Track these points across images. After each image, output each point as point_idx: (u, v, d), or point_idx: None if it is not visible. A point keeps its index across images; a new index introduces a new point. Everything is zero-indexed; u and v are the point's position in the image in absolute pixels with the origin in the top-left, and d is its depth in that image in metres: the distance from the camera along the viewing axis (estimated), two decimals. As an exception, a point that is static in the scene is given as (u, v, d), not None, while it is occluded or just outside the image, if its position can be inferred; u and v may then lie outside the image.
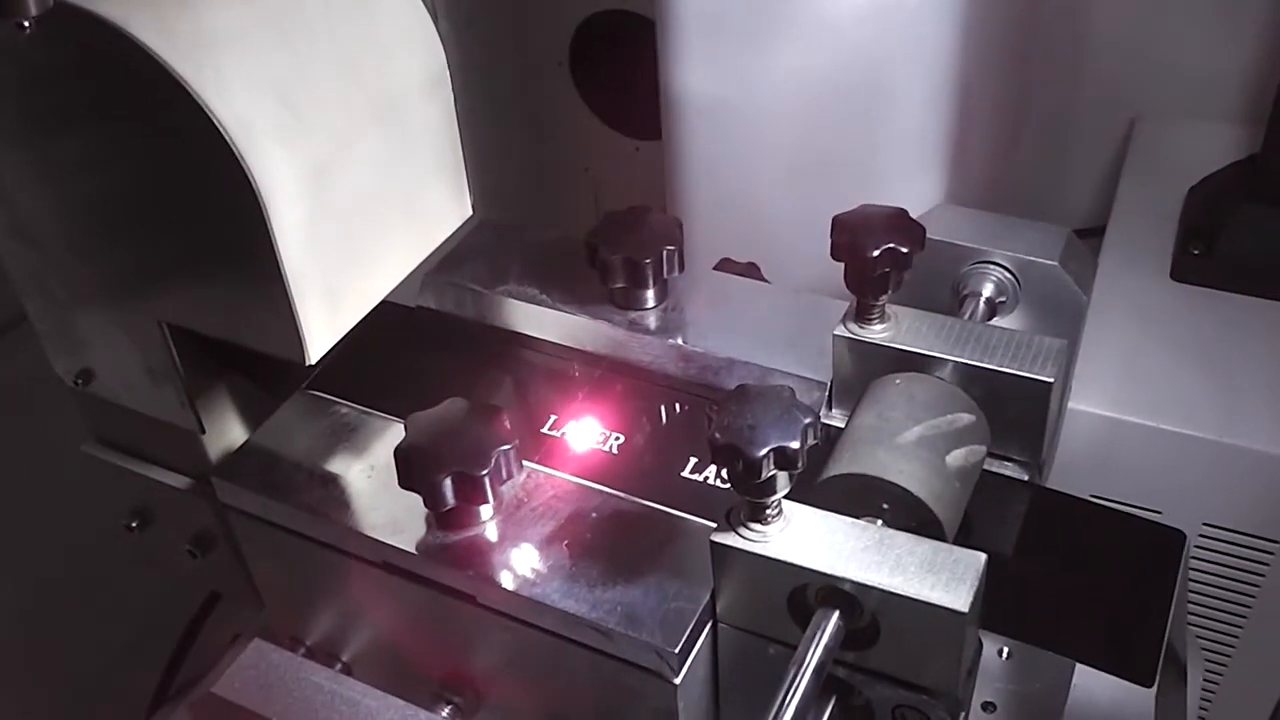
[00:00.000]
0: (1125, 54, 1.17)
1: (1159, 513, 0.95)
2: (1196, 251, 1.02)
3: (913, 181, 0.99)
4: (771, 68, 0.95)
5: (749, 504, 0.52)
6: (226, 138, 0.53)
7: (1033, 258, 0.68)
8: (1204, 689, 0.96)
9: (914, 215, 0.67)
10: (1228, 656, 1.00)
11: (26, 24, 0.48)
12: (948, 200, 1.03)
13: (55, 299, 0.68)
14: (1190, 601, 0.98)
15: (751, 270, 0.87)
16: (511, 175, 1.51)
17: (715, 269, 0.87)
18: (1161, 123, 1.19)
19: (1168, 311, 1.00)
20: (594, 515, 0.61)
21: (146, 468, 0.73)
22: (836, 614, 0.52)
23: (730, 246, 0.94)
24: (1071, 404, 0.90)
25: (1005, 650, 0.70)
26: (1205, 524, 0.94)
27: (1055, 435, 0.75)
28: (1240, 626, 0.98)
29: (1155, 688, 0.56)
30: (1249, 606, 0.96)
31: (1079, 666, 0.62)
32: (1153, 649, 0.56)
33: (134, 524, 0.76)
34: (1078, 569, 0.61)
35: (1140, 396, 0.93)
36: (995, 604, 0.52)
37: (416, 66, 0.64)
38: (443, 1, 1.38)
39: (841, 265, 0.63)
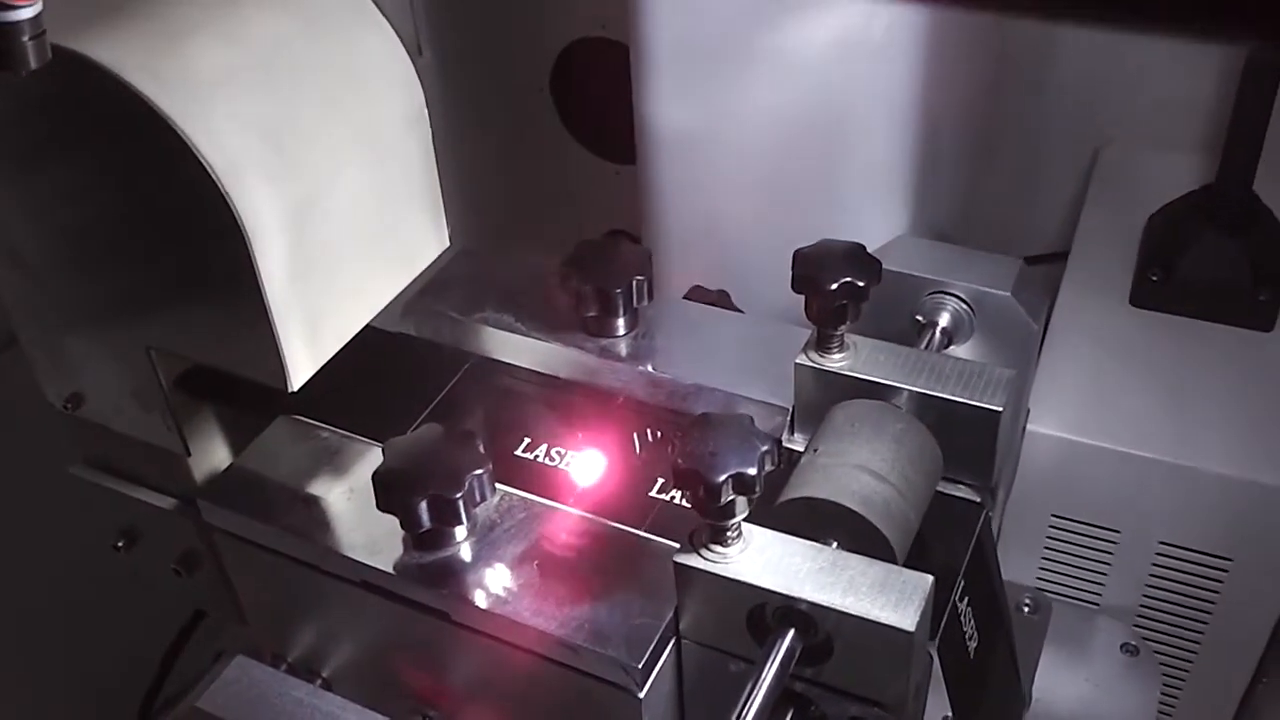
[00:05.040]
0: (1090, 85, 1.20)
1: (1118, 531, 0.98)
2: (1155, 277, 1.04)
3: (880, 210, 1.02)
4: (742, 100, 0.98)
5: (710, 526, 0.55)
6: (214, 177, 0.56)
7: (986, 288, 0.70)
8: (1162, 702, 0.98)
9: (881, 243, 0.69)
10: (1185, 671, 1.02)
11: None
12: (916, 228, 1.06)
13: (46, 325, 0.70)
14: (1148, 617, 1.01)
15: (722, 297, 0.89)
16: (494, 198, 1.53)
17: (687, 295, 0.90)
18: (1125, 151, 1.22)
19: (1127, 336, 1.03)
20: (564, 536, 0.63)
21: (134, 489, 0.75)
22: (793, 632, 0.54)
23: (702, 273, 0.96)
24: (1031, 426, 0.93)
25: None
26: (1162, 543, 0.96)
27: (1011, 459, 0.77)
28: (1198, 642, 1.01)
29: (938, 640, 0.59)
30: (1205, 622, 0.99)
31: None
32: (939, 609, 0.60)
33: (121, 543, 0.78)
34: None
35: (1099, 419, 0.96)
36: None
37: (396, 105, 0.67)
38: (426, 29, 1.41)
39: (805, 295, 0.65)
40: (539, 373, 0.75)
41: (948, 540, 0.63)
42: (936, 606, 0.59)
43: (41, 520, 0.98)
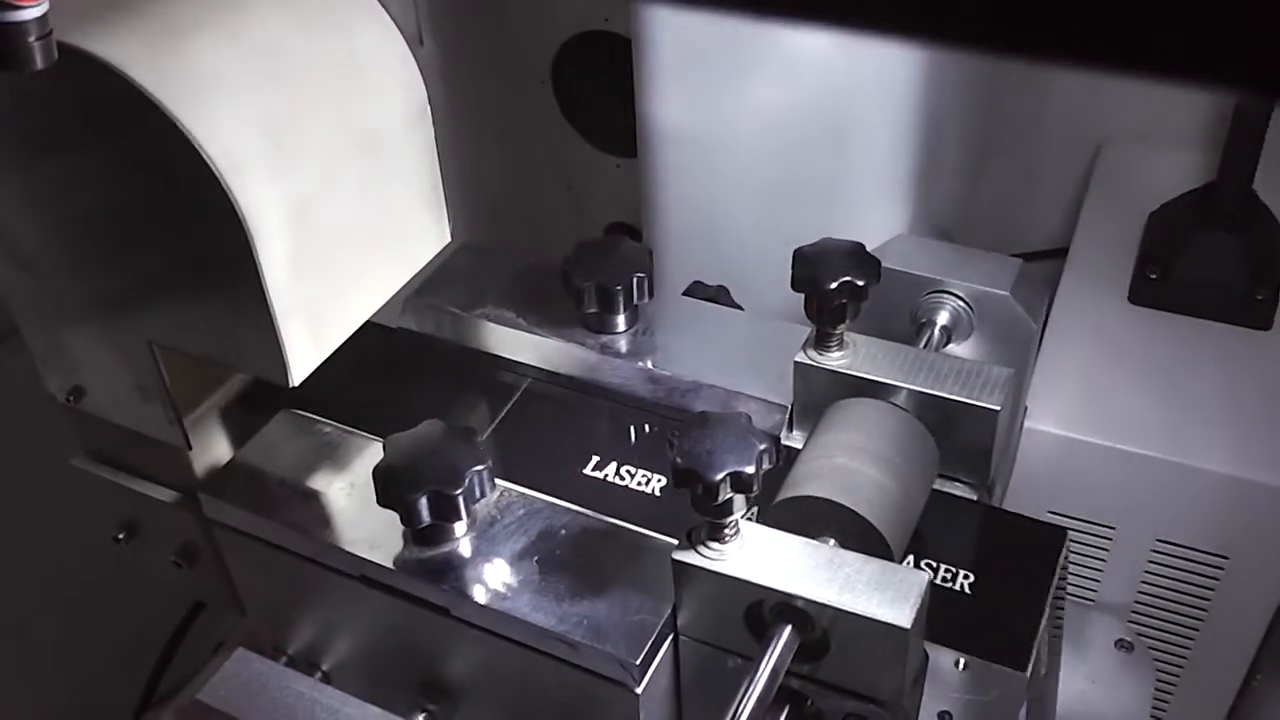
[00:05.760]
0: (1091, 82, 1.20)
1: (1113, 528, 0.98)
2: (1153, 275, 1.05)
3: (881, 208, 1.02)
4: (744, 99, 0.98)
5: (708, 524, 0.55)
6: (217, 174, 0.56)
7: (985, 288, 0.71)
8: (1157, 698, 0.99)
9: (881, 241, 0.69)
10: (1180, 667, 1.03)
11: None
12: (916, 224, 1.06)
13: (48, 319, 0.70)
14: (1143, 613, 1.01)
15: (722, 293, 0.89)
16: (495, 191, 1.53)
17: (687, 291, 0.90)
18: (1125, 149, 1.22)
19: (1125, 333, 1.03)
20: (563, 532, 0.64)
21: (135, 482, 0.75)
22: (790, 628, 0.55)
23: (702, 269, 0.97)
24: (1029, 423, 0.93)
25: (961, 661, 0.73)
26: (1159, 539, 0.97)
27: (1008, 457, 0.78)
28: (1192, 638, 1.01)
29: (1029, 671, 0.59)
30: (1200, 619, 1.00)
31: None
32: (1028, 639, 0.60)
33: (122, 535, 0.78)
34: (967, 566, 0.64)
35: (1096, 416, 0.96)
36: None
37: (398, 102, 0.67)
38: (428, 22, 1.41)
39: (804, 293, 0.66)
40: (540, 368, 0.76)
41: (1034, 566, 0.63)
42: (1026, 634, 0.60)
43: (41, 512, 0.99)
